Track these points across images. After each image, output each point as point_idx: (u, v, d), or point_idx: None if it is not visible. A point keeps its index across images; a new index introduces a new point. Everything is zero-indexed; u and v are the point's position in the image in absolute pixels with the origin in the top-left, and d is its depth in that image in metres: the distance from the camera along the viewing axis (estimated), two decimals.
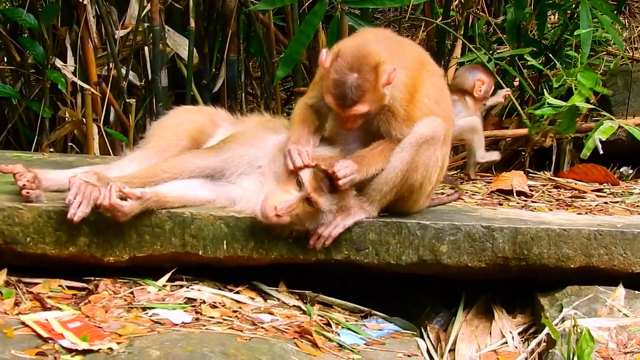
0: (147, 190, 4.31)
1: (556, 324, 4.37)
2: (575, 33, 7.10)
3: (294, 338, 4.11)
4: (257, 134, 4.68)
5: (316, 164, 4.30)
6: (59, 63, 7.33)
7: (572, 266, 4.63)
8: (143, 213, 4.30)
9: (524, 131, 7.10)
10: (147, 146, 4.73)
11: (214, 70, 8.03)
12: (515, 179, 6.11)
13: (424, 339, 4.61)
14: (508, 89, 7.04)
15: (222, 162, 4.57)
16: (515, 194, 5.89)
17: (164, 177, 4.46)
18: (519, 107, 7.15)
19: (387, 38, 4.65)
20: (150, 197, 4.30)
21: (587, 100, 6.47)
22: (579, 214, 5.37)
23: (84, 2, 7.26)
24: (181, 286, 4.42)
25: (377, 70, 4.26)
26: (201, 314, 4.19)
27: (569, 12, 7.57)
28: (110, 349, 3.67)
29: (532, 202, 5.76)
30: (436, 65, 4.79)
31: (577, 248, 4.62)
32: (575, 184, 6.50)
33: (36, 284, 4.27)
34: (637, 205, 5.78)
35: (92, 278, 4.34)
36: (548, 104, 6.37)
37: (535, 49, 7.45)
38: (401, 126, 4.43)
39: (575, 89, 6.39)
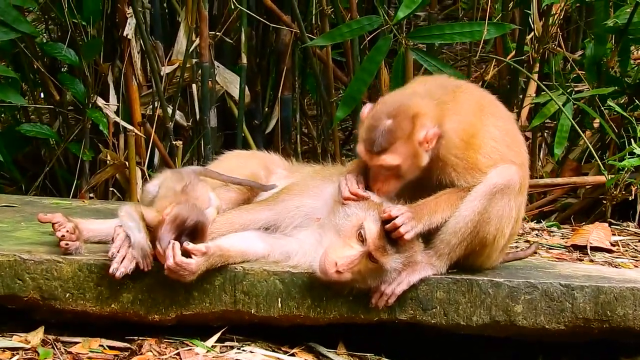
0: (211, 244, 4.31)
1: None
2: None
3: None
4: (313, 183, 4.68)
5: (369, 197, 4.32)
6: (100, 102, 7.41)
7: None
8: None
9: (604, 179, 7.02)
10: None
11: (266, 109, 8.09)
12: (596, 232, 6.03)
13: None
14: None
15: (275, 215, 4.58)
16: (589, 251, 5.79)
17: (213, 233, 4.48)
18: (596, 155, 7.06)
19: (440, 86, 4.64)
20: (214, 252, 4.30)
21: None
22: None
23: (128, 37, 7.35)
24: (232, 347, 4.42)
25: (414, 121, 4.28)
26: None
27: None
28: None
29: (615, 257, 5.68)
30: (504, 108, 4.76)
31: None
32: None
33: (75, 343, 4.30)
34: None
35: (136, 337, 4.37)
36: (631, 154, 6.27)
37: (617, 88, 7.38)
38: (465, 176, 4.43)
39: None
